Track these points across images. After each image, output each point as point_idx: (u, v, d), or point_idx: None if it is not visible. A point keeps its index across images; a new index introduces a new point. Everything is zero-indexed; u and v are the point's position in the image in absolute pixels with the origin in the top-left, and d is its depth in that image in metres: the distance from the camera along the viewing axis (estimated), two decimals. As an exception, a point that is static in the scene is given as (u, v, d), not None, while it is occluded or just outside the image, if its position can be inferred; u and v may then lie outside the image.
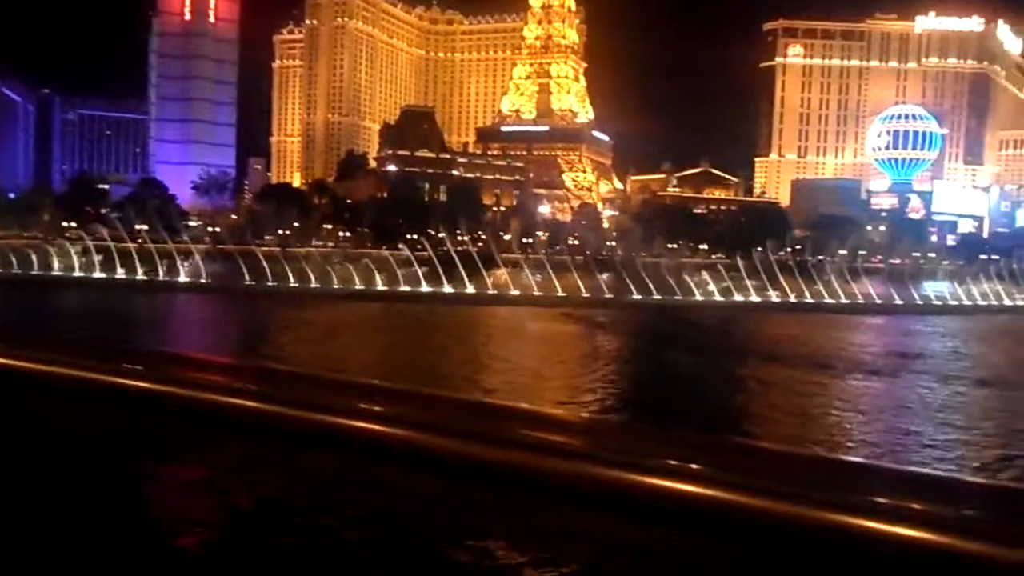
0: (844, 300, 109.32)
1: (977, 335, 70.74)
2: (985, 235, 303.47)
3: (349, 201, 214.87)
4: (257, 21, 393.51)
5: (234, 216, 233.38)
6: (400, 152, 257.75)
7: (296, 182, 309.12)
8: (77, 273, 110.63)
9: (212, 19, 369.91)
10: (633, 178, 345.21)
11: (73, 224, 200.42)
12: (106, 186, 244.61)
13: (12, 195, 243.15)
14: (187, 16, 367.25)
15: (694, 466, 1.35)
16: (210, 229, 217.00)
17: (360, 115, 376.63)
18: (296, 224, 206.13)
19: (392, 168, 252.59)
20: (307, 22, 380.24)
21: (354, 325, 73.44)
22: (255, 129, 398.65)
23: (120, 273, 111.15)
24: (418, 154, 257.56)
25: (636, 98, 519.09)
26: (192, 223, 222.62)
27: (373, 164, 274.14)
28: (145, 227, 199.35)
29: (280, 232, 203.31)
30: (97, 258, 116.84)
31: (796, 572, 1.42)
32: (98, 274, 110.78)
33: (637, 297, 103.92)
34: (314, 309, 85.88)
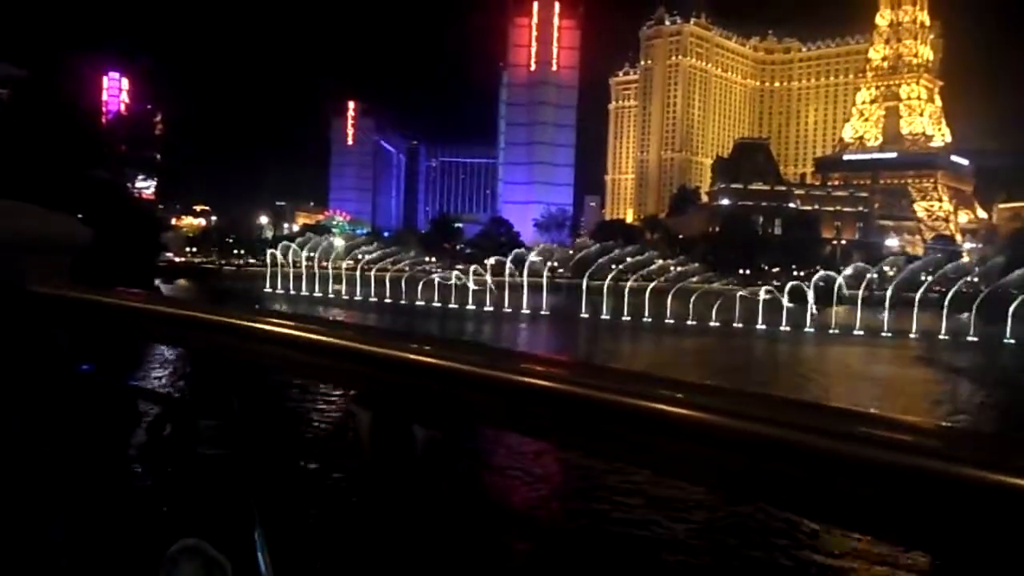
0: None
1: None
2: None
3: (681, 236, 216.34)
4: (595, 66, 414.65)
5: (571, 251, 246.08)
6: (733, 185, 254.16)
7: (629, 218, 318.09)
8: (435, 303, 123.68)
9: (555, 67, 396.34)
10: (1002, 206, 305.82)
11: (433, 259, 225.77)
12: (460, 225, 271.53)
13: (386, 233, 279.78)
14: (532, 67, 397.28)
15: None
16: (549, 264, 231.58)
17: (692, 151, 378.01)
18: (629, 259, 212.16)
19: (725, 202, 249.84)
20: (642, 63, 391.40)
21: (682, 358, 73.98)
22: (591, 168, 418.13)
23: (470, 304, 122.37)
24: (752, 187, 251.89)
25: (1005, 116, 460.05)
26: (534, 258, 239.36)
27: (705, 199, 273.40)
28: (493, 262, 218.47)
29: (614, 267, 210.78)
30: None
31: None
32: (452, 304, 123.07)
33: (1010, 340, 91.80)
34: (645, 341, 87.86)
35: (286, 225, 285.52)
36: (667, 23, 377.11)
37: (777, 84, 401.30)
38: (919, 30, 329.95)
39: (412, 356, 1.92)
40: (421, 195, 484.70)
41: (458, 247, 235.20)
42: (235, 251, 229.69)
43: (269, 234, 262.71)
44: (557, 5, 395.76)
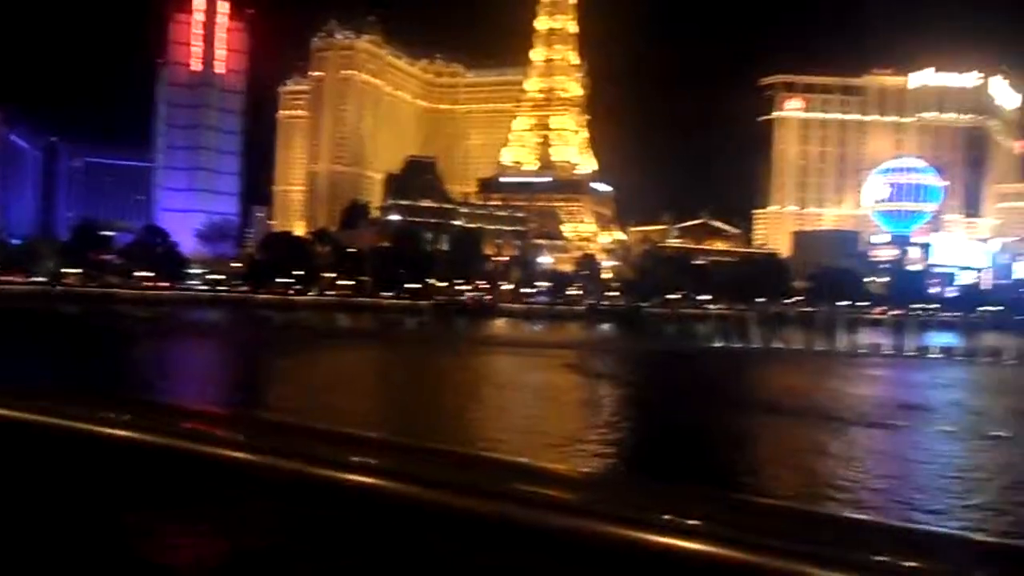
0: (845, 350, 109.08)
1: (980, 387, 70.51)
2: (984, 287, 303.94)
3: (351, 250, 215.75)
4: (263, 72, 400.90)
5: (236, 264, 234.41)
6: (403, 202, 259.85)
7: (299, 231, 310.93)
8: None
9: (220, 70, 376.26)
10: (634, 229, 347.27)
11: (77, 270, 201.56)
12: (110, 233, 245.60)
13: (17, 241, 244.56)
14: (195, 67, 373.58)
15: (691, 522, 1.36)
16: (211, 277, 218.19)
17: (363, 165, 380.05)
18: (299, 273, 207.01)
19: (395, 217, 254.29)
20: (313, 74, 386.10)
21: (350, 372, 73.00)
22: (259, 178, 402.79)
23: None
24: (420, 204, 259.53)
25: (638, 150, 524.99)
26: (194, 270, 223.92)
27: (376, 214, 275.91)
28: (148, 273, 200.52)
29: (282, 280, 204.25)
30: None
31: None
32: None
33: (640, 346, 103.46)
34: (314, 354, 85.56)
35: None
36: (339, 36, 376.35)
37: (444, 106, 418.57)
38: (569, 68, 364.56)
39: None
40: (62, 199, 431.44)
41: (106, 257, 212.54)
42: None
43: None
44: (223, 4, 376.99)
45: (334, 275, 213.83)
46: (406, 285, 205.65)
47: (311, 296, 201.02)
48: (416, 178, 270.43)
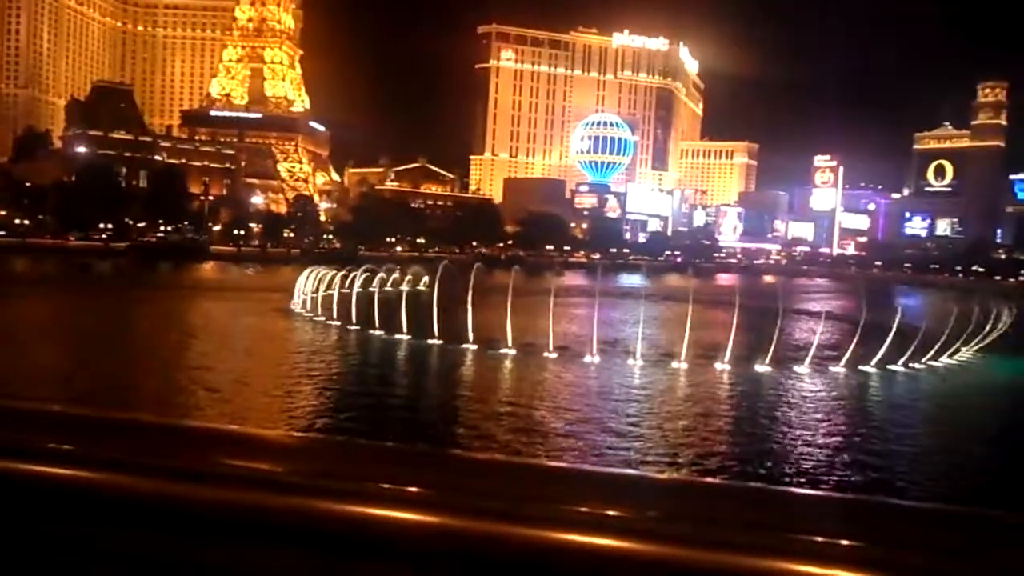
0: (549, 291, 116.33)
1: (660, 320, 79.03)
2: (669, 233, 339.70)
3: (28, 184, 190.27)
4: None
5: None
6: (92, 132, 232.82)
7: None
8: None
9: None
10: (351, 171, 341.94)
11: None
12: None
13: None
14: None
15: (412, 489, 1.33)
16: None
17: (42, 88, 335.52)
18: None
19: (82, 149, 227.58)
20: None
21: (23, 326, 64.87)
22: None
23: None
24: (113, 135, 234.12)
25: (354, 90, 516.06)
26: None
27: (58, 144, 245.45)
28: None
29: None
30: None
31: None
32: None
33: (359, 290, 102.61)
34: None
35: None
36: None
37: (141, 28, 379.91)
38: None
39: None
40: None
41: None
42: None
43: None
44: None
45: (4, 212, 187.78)
46: (99, 225, 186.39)
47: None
48: (107, 106, 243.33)
